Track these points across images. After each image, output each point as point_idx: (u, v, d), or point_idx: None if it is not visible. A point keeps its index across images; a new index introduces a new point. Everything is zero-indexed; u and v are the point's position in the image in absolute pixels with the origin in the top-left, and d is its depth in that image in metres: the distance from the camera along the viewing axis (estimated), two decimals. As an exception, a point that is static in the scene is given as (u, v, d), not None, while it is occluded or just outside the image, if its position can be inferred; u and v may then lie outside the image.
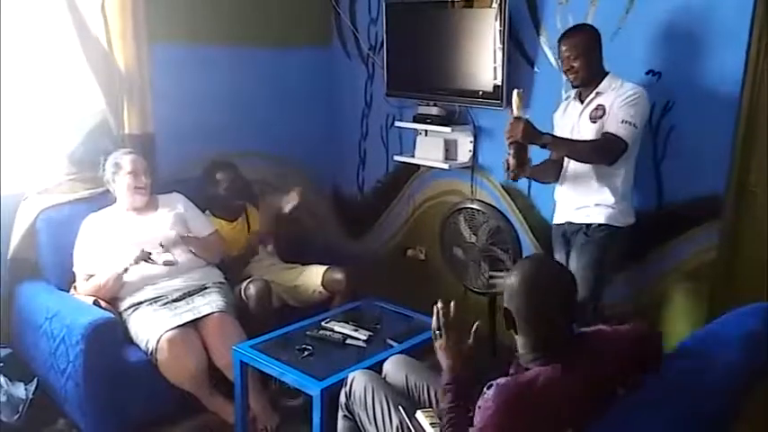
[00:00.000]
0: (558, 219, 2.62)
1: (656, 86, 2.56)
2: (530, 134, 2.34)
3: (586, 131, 2.42)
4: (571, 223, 2.53)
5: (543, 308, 1.48)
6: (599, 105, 2.40)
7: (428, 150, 3.32)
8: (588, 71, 2.40)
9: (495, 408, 1.37)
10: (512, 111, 2.38)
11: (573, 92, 2.54)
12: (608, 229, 2.43)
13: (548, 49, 2.86)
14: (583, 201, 2.48)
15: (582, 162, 2.44)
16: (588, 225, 2.46)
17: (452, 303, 1.77)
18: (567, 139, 2.45)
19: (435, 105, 3.23)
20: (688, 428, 1.35)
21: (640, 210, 2.67)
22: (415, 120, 3.31)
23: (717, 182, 2.50)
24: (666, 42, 2.54)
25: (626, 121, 2.31)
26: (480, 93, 3.01)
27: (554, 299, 1.49)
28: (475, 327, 1.79)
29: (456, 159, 3.26)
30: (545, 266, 1.59)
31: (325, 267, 2.94)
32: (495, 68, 2.93)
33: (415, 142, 3.39)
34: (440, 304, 1.76)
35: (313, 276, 2.93)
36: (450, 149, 3.26)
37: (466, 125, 3.20)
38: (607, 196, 2.42)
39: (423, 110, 3.28)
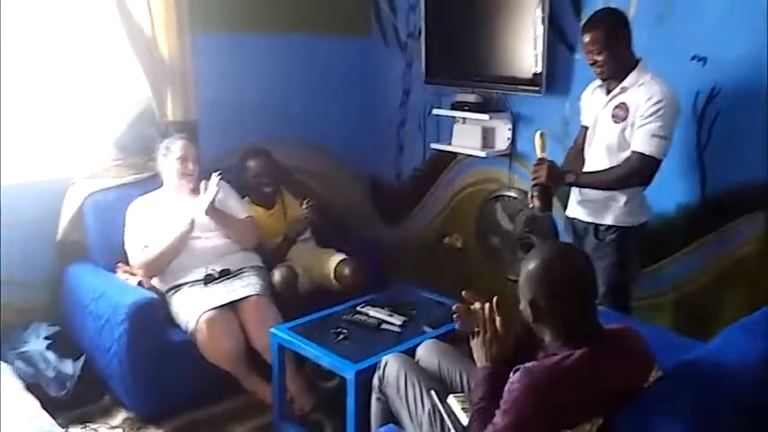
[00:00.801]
0: (569, 212, 2.53)
1: (702, 72, 2.49)
2: (555, 177, 2.27)
3: (607, 131, 2.31)
4: (579, 220, 2.45)
5: (565, 294, 1.46)
6: (622, 104, 2.26)
7: (465, 138, 3.31)
8: (615, 64, 2.24)
9: (521, 390, 1.38)
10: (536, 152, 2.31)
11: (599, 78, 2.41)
12: (618, 230, 2.33)
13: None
14: (590, 195, 2.36)
15: (615, 189, 2.30)
16: (597, 225, 2.37)
17: (495, 299, 1.70)
18: (594, 173, 2.33)
19: (473, 92, 3.21)
20: (716, 420, 1.32)
21: (683, 201, 2.63)
22: (453, 107, 3.30)
23: (763, 170, 2.42)
24: (713, 26, 2.46)
25: (656, 135, 2.17)
26: (520, 79, 2.98)
27: (576, 284, 1.47)
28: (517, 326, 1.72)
29: (494, 147, 3.23)
30: (563, 251, 1.57)
31: (339, 258, 2.95)
32: (535, 55, 2.89)
33: (453, 130, 3.38)
34: (477, 304, 1.70)
35: (329, 266, 2.95)
36: (487, 137, 3.24)
37: (504, 112, 3.17)
38: (616, 194, 2.31)
39: (461, 97, 3.27)
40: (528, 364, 1.42)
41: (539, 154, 2.30)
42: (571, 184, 2.35)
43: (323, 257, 3.01)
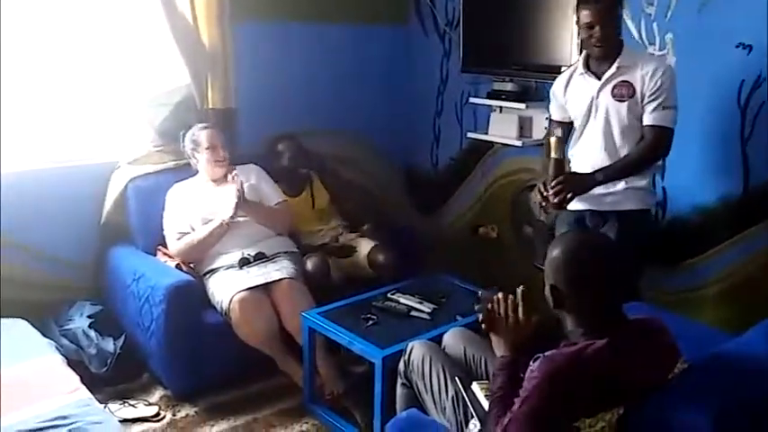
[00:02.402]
0: (573, 205, 2.34)
1: (746, 61, 2.41)
2: (585, 185, 2.23)
3: (612, 110, 2.25)
4: (594, 212, 2.35)
5: (587, 281, 1.46)
6: (623, 82, 2.22)
7: (502, 127, 3.28)
8: (613, 41, 2.22)
9: (541, 378, 1.38)
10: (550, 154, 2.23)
11: (581, 65, 2.33)
12: (642, 214, 2.29)
13: (629, 21, 2.74)
14: (609, 185, 2.28)
15: (642, 169, 2.27)
16: (620, 212, 2.29)
17: (520, 289, 1.71)
18: (618, 163, 2.25)
19: (511, 81, 3.18)
20: (740, 414, 1.30)
21: (724, 194, 2.56)
22: (490, 96, 3.27)
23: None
24: (758, 13, 2.37)
25: (667, 107, 2.18)
26: (558, 68, 2.92)
27: (598, 271, 1.46)
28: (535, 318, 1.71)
29: (530, 136, 3.20)
30: (587, 239, 1.56)
31: (372, 245, 2.97)
32: (573, 43, 2.84)
33: (489, 119, 3.36)
34: (500, 294, 1.71)
35: (361, 251, 2.97)
36: (524, 126, 3.21)
37: (541, 101, 3.12)
38: (638, 177, 2.27)
39: (498, 86, 3.24)
40: (548, 353, 1.42)
41: (554, 154, 2.23)
42: (601, 183, 2.26)
43: (353, 244, 3.04)
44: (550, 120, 2.54)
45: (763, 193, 2.48)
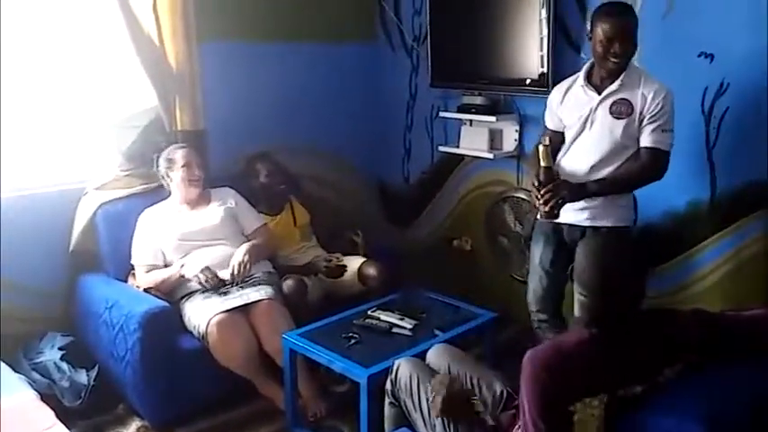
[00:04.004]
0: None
1: (709, 69, 2.48)
2: (577, 193, 2.21)
3: (606, 127, 2.24)
4: (572, 226, 2.34)
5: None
6: (622, 99, 2.21)
7: (473, 140, 3.31)
8: (628, 59, 2.19)
9: (531, 369, 1.42)
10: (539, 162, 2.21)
11: (582, 77, 2.31)
12: (620, 230, 2.28)
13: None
14: (589, 199, 2.27)
15: (635, 188, 2.30)
16: (596, 228, 2.29)
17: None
18: (612, 178, 2.25)
19: (480, 95, 3.21)
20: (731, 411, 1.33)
21: (693, 199, 2.61)
22: (460, 110, 3.30)
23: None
24: (720, 22, 2.45)
25: (666, 130, 2.20)
26: (526, 81, 2.98)
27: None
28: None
29: (501, 149, 3.23)
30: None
31: (362, 261, 2.97)
32: (541, 56, 2.89)
33: (460, 132, 3.38)
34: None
35: (351, 268, 2.96)
36: (495, 139, 3.25)
37: (511, 114, 3.17)
38: (616, 196, 2.27)
39: (467, 99, 3.27)
40: (536, 347, 1.48)
41: (543, 164, 2.21)
42: (594, 194, 2.26)
43: (344, 263, 3.01)
44: (545, 127, 2.50)
45: (730, 198, 2.55)
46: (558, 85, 2.44)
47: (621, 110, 2.22)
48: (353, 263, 2.99)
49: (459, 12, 3.19)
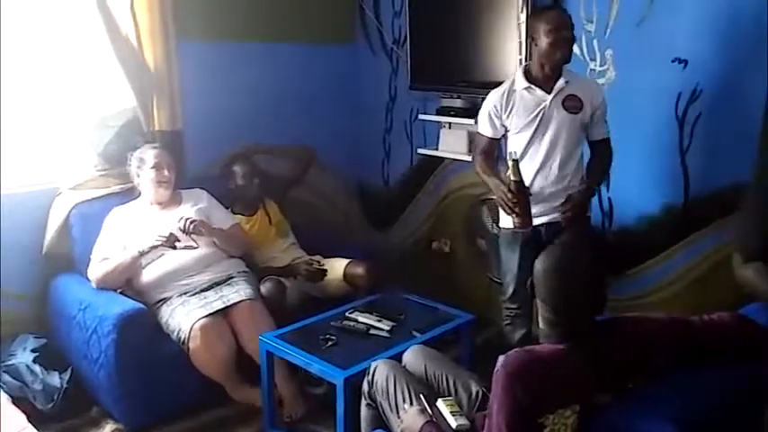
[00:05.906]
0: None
1: (683, 74, 2.52)
2: (588, 198, 2.43)
3: (564, 123, 2.33)
4: (550, 224, 2.39)
5: (557, 293, 1.50)
6: (572, 95, 2.33)
7: (452, 143, 3.32)
8: (570, 50, 2.31)
9: (504, 374, 1.42)
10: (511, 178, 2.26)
11: (521, 80, 2.36)
12: (588, 220, 2.49)
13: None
14: (558, 196, 2.37)
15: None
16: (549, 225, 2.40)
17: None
18: (594, 173, 2.44)
19: (459, 98, 3.23)
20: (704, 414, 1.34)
21: (667, 203, 2.65)
22: (439, 112, 3.32)
23: (746, 171, 2.44)
24: (693, 28, 2.49)
25: (605, 121, 2.42)
26: (504, 84, 2.99)
27: (572, 284, 1.50)
28: None
29: (480, 151, 3.25)
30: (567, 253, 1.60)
31: (347, 261, 2.97)
32: (519, 59, 2.91)
33: (439, 135, 3.40)
34: None
35: (335, 270, 2.96)
36: (473, 141, 3.25)
37: (490, 117, 3.18)
38: (580, 180, 2.42)
39: (446, 102, 3.29)
40: (509, 353, 1.46)
41: (514, 178, 2.24)
42: (594, 193, 2.48)
43: (325, 266, 3.00)
44: (489, 139, 2.48)
45: (703, 201, 2.58)
46: (492, 93, 2.45)
47: (574, 105, 2.35)
48: (336, 265, 2.98)
49: (439, 15, 3.20)
